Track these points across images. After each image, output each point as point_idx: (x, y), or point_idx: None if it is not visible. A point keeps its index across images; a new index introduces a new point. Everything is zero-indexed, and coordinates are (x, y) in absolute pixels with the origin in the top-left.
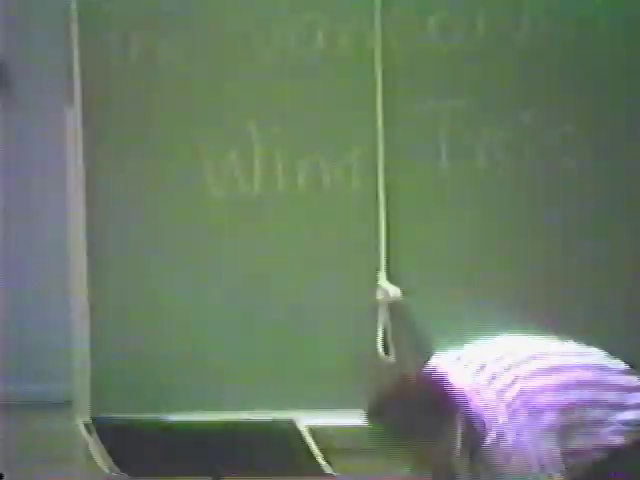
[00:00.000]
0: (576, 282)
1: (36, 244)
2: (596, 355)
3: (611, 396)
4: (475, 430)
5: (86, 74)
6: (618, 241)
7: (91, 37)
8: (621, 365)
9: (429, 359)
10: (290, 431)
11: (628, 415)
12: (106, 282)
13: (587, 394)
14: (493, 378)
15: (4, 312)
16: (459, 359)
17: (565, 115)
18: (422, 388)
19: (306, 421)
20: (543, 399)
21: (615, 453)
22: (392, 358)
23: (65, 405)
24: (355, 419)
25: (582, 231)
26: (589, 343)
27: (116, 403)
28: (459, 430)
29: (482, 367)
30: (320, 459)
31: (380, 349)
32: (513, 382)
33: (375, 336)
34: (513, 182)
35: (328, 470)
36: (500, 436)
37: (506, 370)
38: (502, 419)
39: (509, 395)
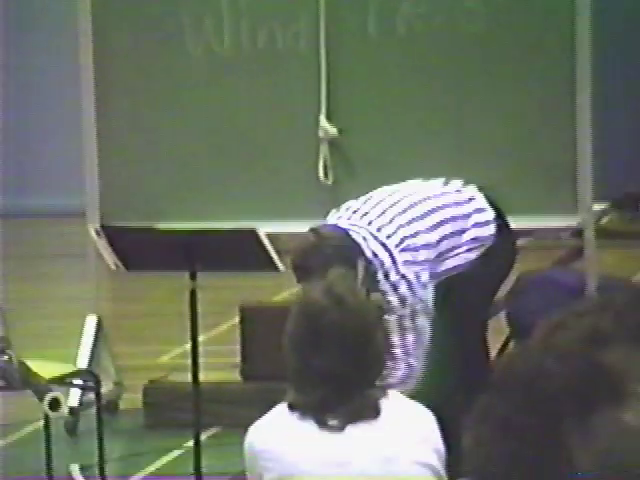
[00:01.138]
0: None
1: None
2: (469, 192)
3: (464, 223)
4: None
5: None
6: (515, 93)
7: None
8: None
9: None
10: (253, 236)
11: (471, 234)
12: (113, 119)
13: (453, 226)
14: (378, 230)
15: (26, 139)
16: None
17: None
18: (330, 243)
19: (265, 229)
20: (419, 241)
21: (471, 264)
22: (329, 182)
23: (80, 215)
24: (299, 228)
25: (487, 87)
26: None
27: (120, 213)
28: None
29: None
30: (275, 258)
31: (320, 174)
32: (395, 231)
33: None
34: (426, 46)
35: (281, 267)
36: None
37: (390, 221)
38: (388, 260)
39: (393, 241)
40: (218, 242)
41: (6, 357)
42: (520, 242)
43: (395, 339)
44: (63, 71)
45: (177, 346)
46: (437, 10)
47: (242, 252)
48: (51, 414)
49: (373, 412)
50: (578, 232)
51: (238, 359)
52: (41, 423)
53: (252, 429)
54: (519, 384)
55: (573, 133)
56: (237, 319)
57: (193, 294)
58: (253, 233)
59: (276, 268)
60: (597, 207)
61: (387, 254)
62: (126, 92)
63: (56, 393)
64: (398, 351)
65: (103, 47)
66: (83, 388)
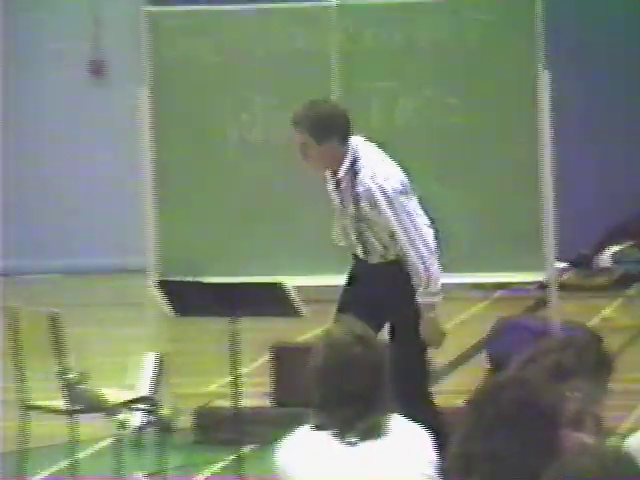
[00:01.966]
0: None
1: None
2: None
3: None
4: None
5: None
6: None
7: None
8: None
9: None
10: (281, 288)
11: None
12: (171, 186)
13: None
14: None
15: (92, 201)
16: None
17: (452, 91)
18: None
19: (291, 282)
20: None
21: None
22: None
23: (141, 271)
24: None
25: (469, 163)
26: None
27: (174, 270)
28: None
29: None
30: (299, 306)
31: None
32: None
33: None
34: (419, 133)
35: (304, 313)
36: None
37: None
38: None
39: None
40: (253, 293)
41: (84, 387)
42: (497, 294)
43: (399, 237)
44: (125, 161)
45: (221, 378)
46: (426, 106)
47: (272, 301)
48: (120, 432)
49: (382, 430)
50: (543, 286)
51: (270, 388)
52: (112, 440)
53: (281, 446)
54: (493, 410)
55: (539, 209)
56: (269, 356)
57: (233, 335)
58: (281, 286)
59: (300, 314)
60: (558, 265)
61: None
62: (178, 169)
63: (124, 415)
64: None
65: (160, 130)
66: (145, 411)
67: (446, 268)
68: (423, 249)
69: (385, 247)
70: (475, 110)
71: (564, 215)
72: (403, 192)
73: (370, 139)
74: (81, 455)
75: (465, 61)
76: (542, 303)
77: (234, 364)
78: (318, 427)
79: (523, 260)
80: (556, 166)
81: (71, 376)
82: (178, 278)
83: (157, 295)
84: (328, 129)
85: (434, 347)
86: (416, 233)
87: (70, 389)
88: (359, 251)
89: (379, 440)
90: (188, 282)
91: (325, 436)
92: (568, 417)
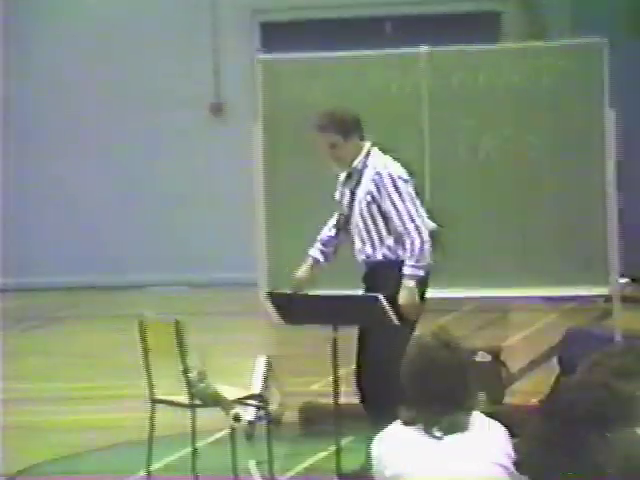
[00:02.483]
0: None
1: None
2: None
3: None
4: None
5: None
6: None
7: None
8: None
9: None
10: (376, 302)
11: None
12: (280, 209)
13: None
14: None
15: (205, 222)
16: None
17: (529, 130)
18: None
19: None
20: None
21: None
22: None
23: (251, 285)
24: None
25: (544, 191)
26: None
27: (283, 282)
28: None
29: None
30: (393, 317)
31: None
32: None
33: None
34: (500, 169)
35: (396, 322)
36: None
37: None
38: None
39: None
40: (351, 304)
41: (203, 384)
42: (566, 305)
43: (401, 214)
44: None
45: (323, 378)
46: (505, 142)
47: (368, 312)
48: (235, 425)
49: (465, 425)
50: (608, 298)
51: None
52: (227, 431)
53: (376, 439)
54: (560, 410)
55: (605, 231)
56: None
57: (334, 341)
58: (377, 299)
59: (393, 324)
60: (621, 281)
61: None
62: (286, 194)
63: (238, 410)
64: (407, 220)
65: (270, 161)
66: (257, 407)
67: (521, 283)
68: (422, 227)
69: (380, 237)
70: (549, 145)
71: (636, 234)
72: (409, 183)
73: (457, 171)
74: (200, 444)
75: (540, 101)
76: (607, 314)
77: (335, 366)
78: (408, 423)
79: (590, 276)
80: (627, 191)
81: (191, 375)
82: (284, 290)
83: (267, 305)
84: (350, 127)
85: (411, 318)
86: (417, 214)
87: (192, 386)
88: (357, 241)
89: (462, 435)
90: (293, 294)
91: (414, 431)
92: (621, 414)
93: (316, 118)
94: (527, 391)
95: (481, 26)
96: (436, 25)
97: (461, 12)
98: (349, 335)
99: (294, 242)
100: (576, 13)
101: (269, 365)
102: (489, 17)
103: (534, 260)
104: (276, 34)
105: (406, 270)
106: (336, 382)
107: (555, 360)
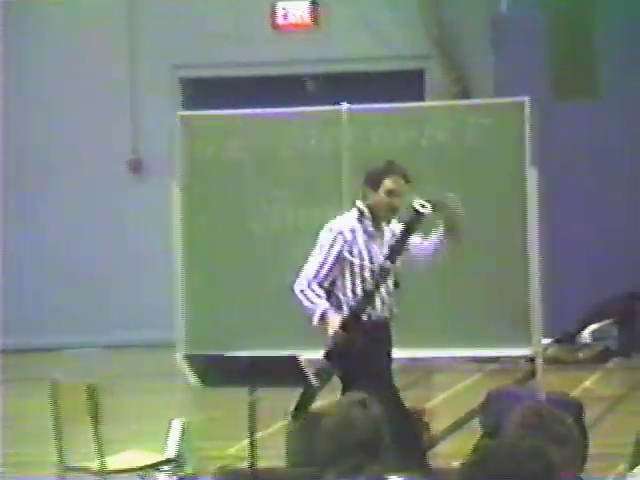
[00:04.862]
0: None
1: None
2: None
3: None
4: None
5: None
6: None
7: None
8: None
9: None
10: (293, 362)
11: None
12: (198, 269)
13: None
14: None
15: (123, 283)
16: None
17: (450, 187)
18: None
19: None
20: None
21: None
22: None
23: (169, 346)
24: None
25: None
26: None
27: (200, 344)
28: None
29: None
30: (311, 376)
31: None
32: None
33: None
34: None
35: (315, 383)
36: None
37: None
38: None
39: None
40: (270, 365)
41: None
42: (489, 367)
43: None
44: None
45: (239, 441)
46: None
47: (287, 373)
48: None
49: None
50: (531, 359)
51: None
52: None
53: None
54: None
55: (527, 294)
56: (284, 422)
57: (252, 404)
58: (294, 359)
59: (311, 384)
60: (544, 342)
61: None
62: (205, 253)
63: (153, 475)
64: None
65: (189, 219)
66: (170, 472)
67: (445, 344)
68: (301, 276)
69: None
70: (471, 204)
71: (558, 295)
72: (333, 233)
73: None
74: None
75: (463, 159)
76: (530, 375)
77: (252, 430)
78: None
79: (513, 336)
80: (549, 251)
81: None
82: (201, 352)
83: (183, 367)
84: None
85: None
86: (312, 265)
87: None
88: (378, 303)
89: None
90: (210, 356)
91: None
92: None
93: (403, 168)
94: (448, 454)
95: (406, 84)
96: (360, 83)
97: (385, 70)
98: (269, 396)
99: (212, 304)
100: (499, 73)
101: (184, 429)
102: (413, 75)
103: (457, 320)
104: (197, 90)
105: None
106: (252, 446)
107: (477, 421)
